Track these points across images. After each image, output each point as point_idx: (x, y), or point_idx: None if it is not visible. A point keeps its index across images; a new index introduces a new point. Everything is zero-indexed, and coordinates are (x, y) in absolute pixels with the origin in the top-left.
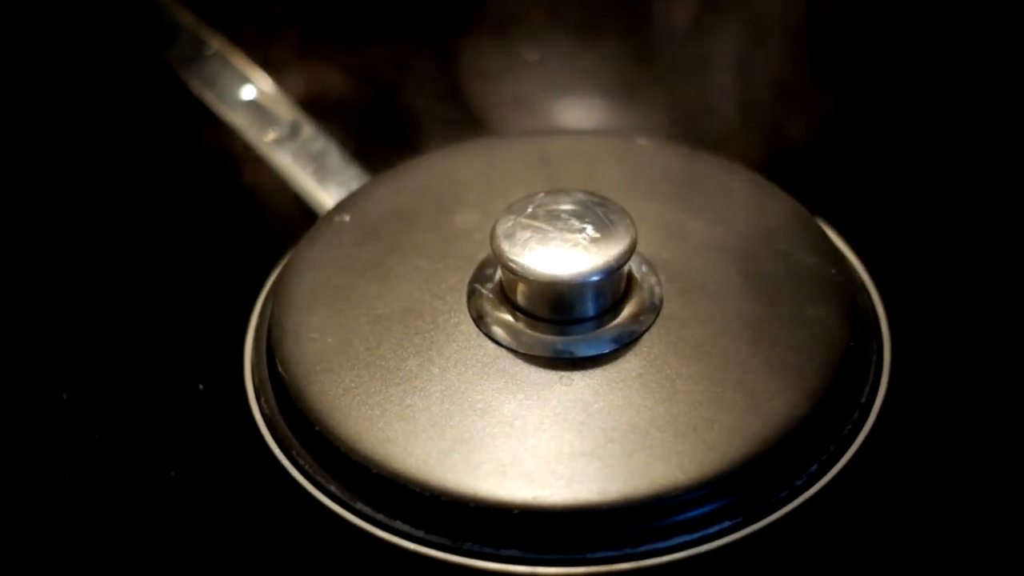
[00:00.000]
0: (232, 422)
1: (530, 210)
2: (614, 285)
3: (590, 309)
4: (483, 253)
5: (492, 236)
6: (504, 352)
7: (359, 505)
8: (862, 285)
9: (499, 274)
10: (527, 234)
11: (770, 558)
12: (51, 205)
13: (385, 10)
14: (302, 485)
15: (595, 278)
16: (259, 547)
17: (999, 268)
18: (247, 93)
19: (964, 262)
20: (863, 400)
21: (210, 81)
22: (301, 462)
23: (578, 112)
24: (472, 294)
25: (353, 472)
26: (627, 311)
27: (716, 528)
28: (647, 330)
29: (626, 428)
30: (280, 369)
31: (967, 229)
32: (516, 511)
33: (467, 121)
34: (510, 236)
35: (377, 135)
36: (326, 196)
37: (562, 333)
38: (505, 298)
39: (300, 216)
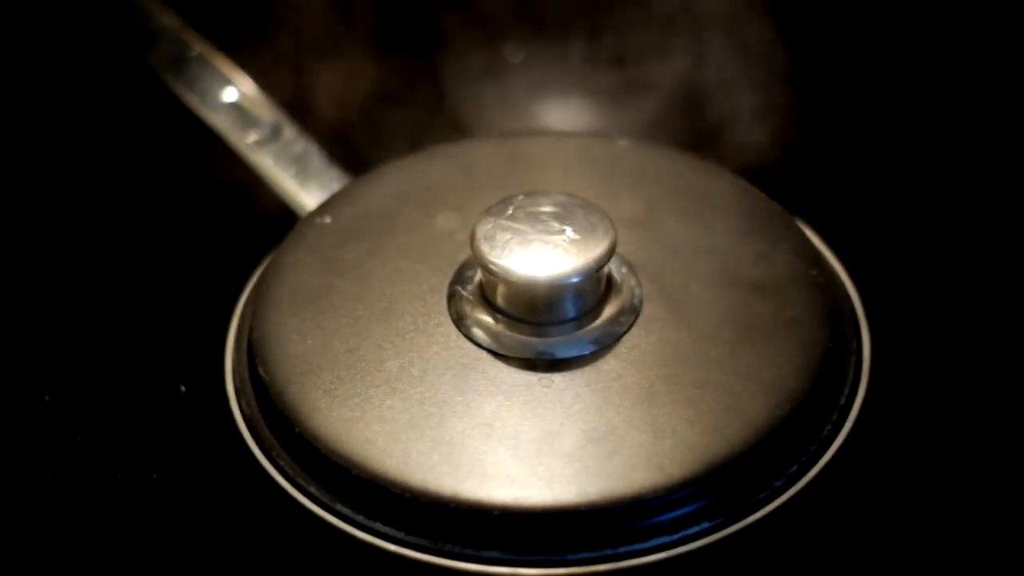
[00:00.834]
0: (213, 424)
1: (510, 212)
2: (594, 287)
3: (570, 311)
4: (463, 255)
5: (472, 238)
6: (484, 354)
7: (339, 506)
8: (841, 286)
9: (479, 276)
10: (507, 236)
11: (750, 559)
12: (33, 207)
13: (366, 12)
14: (282, 487)
15: (575, 280)
16: (240, 549)
17: (978, 269)
18: (229, 95)
19: (943, 263)
20: (843, 401)
21: (192, 83)
22: (281, 463)
23: (559, 114)
24: (452, 296)
25: (333, 473)
26: (607, 313)
27: (696, 529)
28: (627, 331)
29: (605, 429)
30: (261, 370)
31: (946, 230)
32: (496, 512)
33: (448, 123)
34: (490, 238)
35: (358, 137)
36: (307, 198)
37: (542, 335)
38: (485, 300)
39: (281, 218)
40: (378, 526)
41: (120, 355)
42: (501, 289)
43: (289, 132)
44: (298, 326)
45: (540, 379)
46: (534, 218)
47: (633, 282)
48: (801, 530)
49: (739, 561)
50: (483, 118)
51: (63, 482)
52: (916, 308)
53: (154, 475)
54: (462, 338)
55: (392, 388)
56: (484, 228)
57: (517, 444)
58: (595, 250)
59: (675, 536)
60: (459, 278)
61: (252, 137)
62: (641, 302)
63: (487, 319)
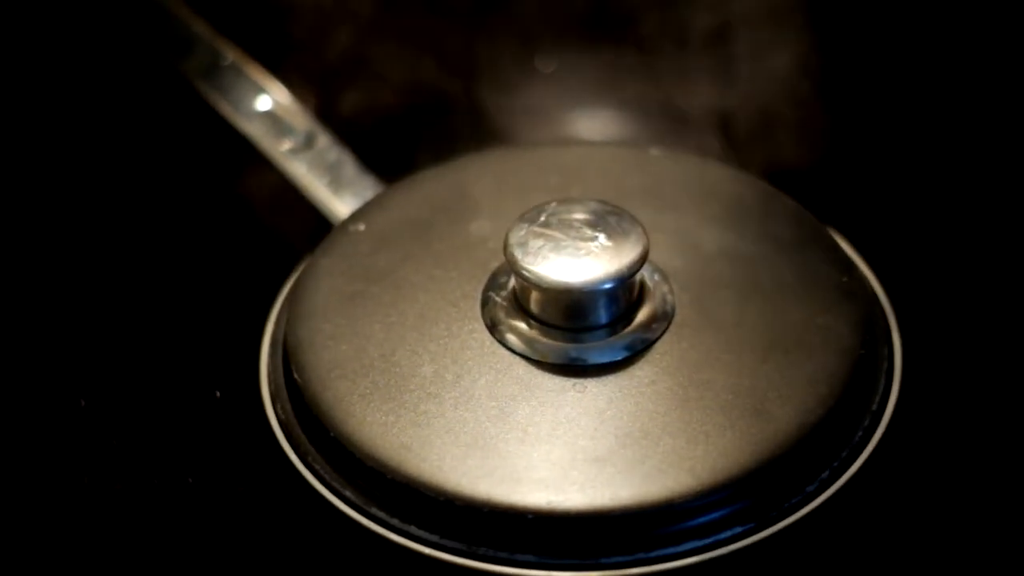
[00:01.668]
0: (248, 428)
1: (543, 219)
2: (626, 293)
3: (603, 317)
4: (497, 261)
5: (505, 244)
6: (518, 359)
7: (374, 510)
8: (873, 293)
9: (512, 282)
10: (540, 242)
11: (781, 564)
12: (69, 215)
13: (399, 20)
14: (318, 490)
15: (607, 286)
16: (275, 552)
17: (1009, 277)
18: (263, 103)
19: (974, 270)
20: (874, 407)
21: (226, 91)
22: (317, 468)
23: (591, 123)
24: (486, 302)
25: (368, 477)
26: (640, 319)
27: (728, 533)
28: (659, 337)
29: (639, 434)
30: (296, 376)
31: (976, 237)
32: (530, 516)
33: (481, 132)
34: (523, 244)
35: (392, 145)
36: (341, 205)
37: (575, 340)
38: (519, 306)
39: (315, 225)
40: (413, 529)
41: (156, 360)
42: (534, 295)
43: (323, 140)
44: (332, 332)
45: (574, 384)
46: (567, 225)
47: (665, 289)
48: (833, 535)
49: (771, 566)
50: (516, 127)
51: (100, 486)
52: (947, 316)
53: (190, 479)
54: (496, 344)
55: (426, 393)
56: (517, 235)
57: (551, 448)
58: (628, 257)
59: (707, 540)
60: (492, 284)
61: (286, 145)
62: (673, 309)
63: (520, 325)
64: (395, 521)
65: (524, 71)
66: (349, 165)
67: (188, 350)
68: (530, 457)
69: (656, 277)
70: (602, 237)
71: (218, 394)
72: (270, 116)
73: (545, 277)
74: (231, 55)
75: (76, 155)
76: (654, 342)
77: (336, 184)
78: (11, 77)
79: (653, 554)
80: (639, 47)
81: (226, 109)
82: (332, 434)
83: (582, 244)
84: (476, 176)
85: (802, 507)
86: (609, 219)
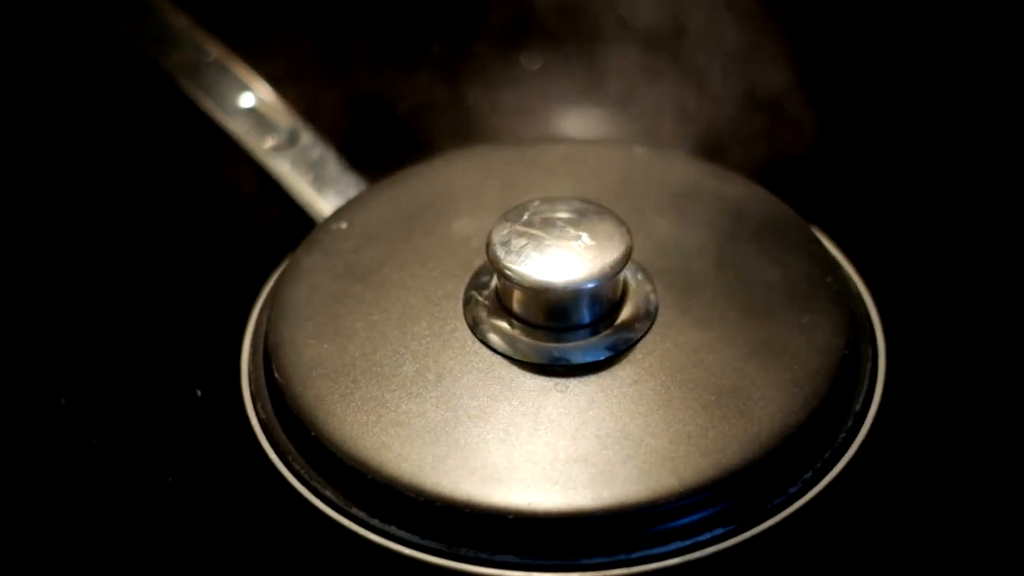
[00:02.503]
0: (229, 427)
1: (526, 217)
2: (609, 292)
3: (585, 316)
4: (479, 260)
5: (488, 243)
6: (499, 359)
7: (355, 510)
8: (857, 293)
9: (495, 281)
10: (523, 241)
11: (764, 565)
12: (49, 211)
13: (385, 18)
14: (298, 490)
15: (590, 285)
16: (256, 552)
17: (993, 276)
18: (246, 100)
19: (958, 270)
20: (858, 407)
21: (209, 88)
22: (297, 467)
23: (576, 120)
24: (468, 301)
25: (349, 477)
26: (622, 318)
27: (710, 534)
28: (642, 337)
29: (621, 435)
30: (276, 375)
31: (961, 237)
32: (511, 517)
33: (465, 129)
34: (506, 243)
35: (375, 143)
36: (324, 203)
37: (557, 340)
38: (501, 305)
39: (298, 223)
40: (393, 530)
41: (137, 359)
42: (517, 294)
43: (306, 138)
44: (314, 331)
45: (555, 384)
46: (550, 224)
47: (649, 288)
48: (815, 536)
49: (753, 567)
50: (501, 124)
51: (80, 485)
52: (931, 315)
53: (170, 479)
54: (478, 343)
55: (408, 393)
56: (500, 233)
57: (532, 449)
58: (611, 256)
59: (689, 541)
60: (475, 283)
61: (269, 143)
62: (657, 308)
63: (503, 324)
64: (375, 521)
65: (510, 68)
66: (332, 163)
67: (169, 348)
68: (511, 457)
69: (639, 276)
70: (585, 236)
71: (199, 393)
72: (253, 113)
73: (527, 276)
74: (214, 52)
75: (58, 153)
76: (637, 342)
77: (319, 182)
78: None
79: (635, 555)
80: (624, 44)
81: (209, 106)
82: (312, 433)
83: (565, 243)
84: (459, 174)
85: (785, 508)
86: (592, 218)
